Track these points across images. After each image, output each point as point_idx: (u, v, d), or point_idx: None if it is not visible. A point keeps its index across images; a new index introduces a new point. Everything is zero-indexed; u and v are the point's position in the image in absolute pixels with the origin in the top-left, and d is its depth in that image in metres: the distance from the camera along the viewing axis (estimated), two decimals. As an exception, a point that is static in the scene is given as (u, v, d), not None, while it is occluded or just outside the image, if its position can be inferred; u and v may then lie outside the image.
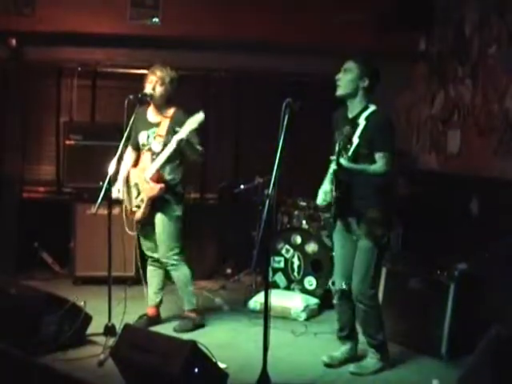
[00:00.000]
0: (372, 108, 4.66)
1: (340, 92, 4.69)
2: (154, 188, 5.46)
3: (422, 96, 7.62)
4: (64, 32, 7.30)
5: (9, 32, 7.45)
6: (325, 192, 4.81)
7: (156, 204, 5.53)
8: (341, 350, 5.03)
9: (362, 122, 4.61)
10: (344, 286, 4.82)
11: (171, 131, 5.42)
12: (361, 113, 4.65)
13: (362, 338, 5.00)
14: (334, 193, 4.59)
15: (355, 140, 4.58)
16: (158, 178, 5.47)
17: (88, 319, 5.22)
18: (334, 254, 5.01)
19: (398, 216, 6.40)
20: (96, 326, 5.26)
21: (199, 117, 5.24)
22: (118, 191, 5.58)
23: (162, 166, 5.45)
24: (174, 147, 5.29)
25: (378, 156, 4.56)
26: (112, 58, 8.00)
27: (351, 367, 4.84)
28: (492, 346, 3.61)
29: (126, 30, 7.39)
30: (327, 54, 7.49)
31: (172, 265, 5.63)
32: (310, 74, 8.12)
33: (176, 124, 5.43)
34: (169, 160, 5.43)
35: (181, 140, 5.24)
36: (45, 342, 4.82)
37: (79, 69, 8.15)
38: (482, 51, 6.30)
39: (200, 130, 5.38)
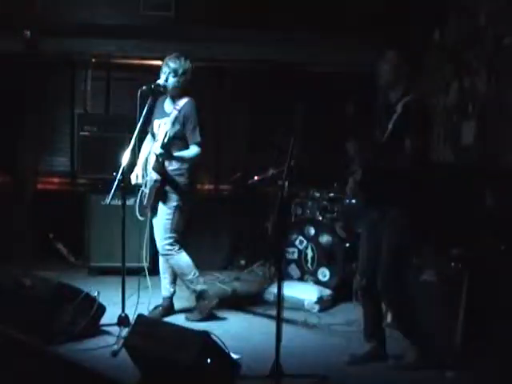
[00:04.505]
0: (411, 96, 4.62)
1: (381, 81, 4.67)
2: (153, 178, 5.51)
3: (436, 86, 7.57)
4: (78, 24, 7.32)
5: (23, 24, 7.48)
6: None
7: (159, 193, 5.56)
8: (364, 348, 4.94)
9: (398, 109, 4.57)
10: (364, 282, 4.77)
11: (179, 122, 5.51)
12: (399, 100, 4.61)
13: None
14: (357, 176, 4.59)
15: (389, 127, 4.54)
16: (159, 167, 5.49)
17: (102, 309, 5.24)
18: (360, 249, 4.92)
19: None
20: (110, 317, 5.28)
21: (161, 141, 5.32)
22: (136, 177, 5.61)
23: (167, 157, 5.48)
24: (164, 141, 5.35)
25: (407, 142, 4.47)
26: (126, 49, 8.02)
27: (390, 361, 4.77)
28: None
29: (139, 22, 7.38)
30: (340, 44, 7.49)
31: (165, 254, 5.65)
32: (323, 66, 8.11)
33: (183, 115, 5.49)
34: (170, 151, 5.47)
35: (165, 134, 5.31)
36: (59, 332, 4.85)
37: (93, 60, 8.18)
38: (497, 41, 6.25)
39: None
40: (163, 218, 5.59)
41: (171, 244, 5.61)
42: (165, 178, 5.52)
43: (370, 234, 4.79)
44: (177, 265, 5.68)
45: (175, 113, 5.53)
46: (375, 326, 4.89)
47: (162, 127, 5.54)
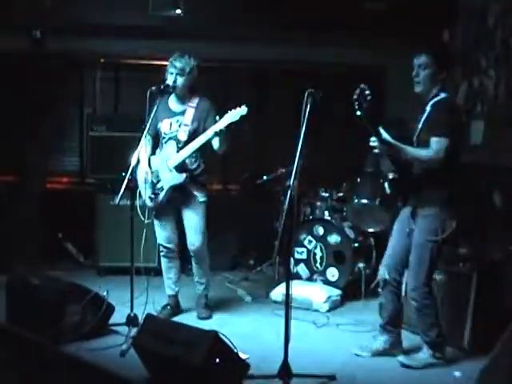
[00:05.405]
0: (442, 95, 4.66)
1: (419, 89, 4.67)
2: (179, 177, 5.48)
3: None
4: (87, 24, 7.33)
5: (33, 24, 7.50)
6: None
7: (178, 195, 5.55)
8: (376, 341, 4.98)
9: (428, 108, 4.65)
10: (386, 276, 4.80)
11: (197, 120, 5.51)
12: (430, 100, 4.66)
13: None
14: (390, 174, 4.64)
15: (419, 126, 4.65)
16: (182, 167, 5.49)
17: (110, 309, 5.25)
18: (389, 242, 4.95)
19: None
20: (118, 316, 5.29)
21: (242, 110, 5.25)
22: (146, 173, 5.54)
23: (189, 156, 5.49)
24: (209, 137, 5.33)
25: (432, 141, 4.49)
26: (135, 49, 8.03)
27: (401, 357, 4.79)
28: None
29: (148, 22, 7.39)
30: (347, 44, 7.49)
31: (201, 252, 5.69)
32: (330, 64, 8.11)
33: (202, 113, 5.49)
34: (198, 149, 5.47)
35: (220, 131, 5.27)
36: (67, 331, 4.87)
37: (102, 60, 8.20)
38: (505, 41, 6.24)
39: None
40: (196, 218, 5.61)
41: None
42: (191, 176, 5.54)
43: (401, 232, 4.81)
44: (206, 260, 5.77)
45: (192, 111, 5.55)
46: (389, 321, 4.92)
47: (183, 128, 5.53)
